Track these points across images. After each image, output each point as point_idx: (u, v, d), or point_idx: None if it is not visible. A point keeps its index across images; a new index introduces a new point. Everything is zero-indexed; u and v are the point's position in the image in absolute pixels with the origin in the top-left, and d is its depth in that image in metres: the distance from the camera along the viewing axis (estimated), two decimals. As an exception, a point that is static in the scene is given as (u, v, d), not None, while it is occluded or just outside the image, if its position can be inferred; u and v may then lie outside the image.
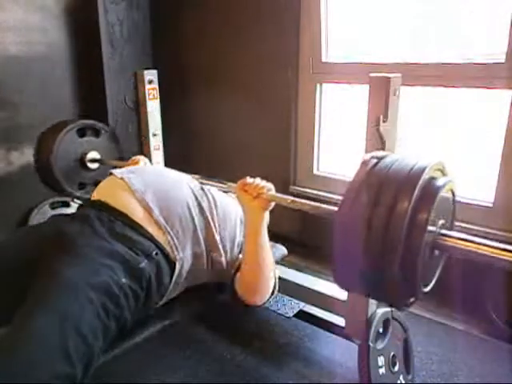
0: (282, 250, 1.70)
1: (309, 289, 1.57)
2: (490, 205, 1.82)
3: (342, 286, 0.96)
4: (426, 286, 0.91)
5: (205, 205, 1.33)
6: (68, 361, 0.89)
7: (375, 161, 0.86)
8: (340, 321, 1.48)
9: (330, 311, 1.53)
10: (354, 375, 1.36)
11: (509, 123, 1.71)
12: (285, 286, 1.64)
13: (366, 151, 1.20)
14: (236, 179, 1.71)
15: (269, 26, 2.28)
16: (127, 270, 1.08)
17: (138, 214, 1.21)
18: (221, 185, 1.40)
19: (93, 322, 0.97)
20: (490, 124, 1.91)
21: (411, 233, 0.77)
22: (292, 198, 1.21)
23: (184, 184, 1.38)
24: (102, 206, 1.24)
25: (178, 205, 1.28)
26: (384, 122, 1.14)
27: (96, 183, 1.96)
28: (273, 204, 1.26)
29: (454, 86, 1.85)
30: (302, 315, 1.68)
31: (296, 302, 1.72)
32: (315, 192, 2.30)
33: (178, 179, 1.41)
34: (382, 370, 1.31)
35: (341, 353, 1.60)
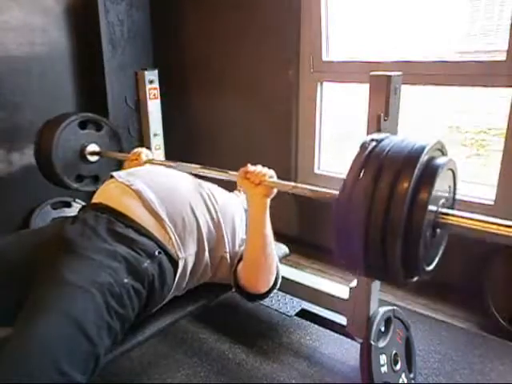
0: (284, 249, 1.70)
1: (310, 287, 1.57)
2: (492, 202, 1.82)
3: (344, 266, 0.95)
4: (430, 264, 0.92)
5: (207, 203, 1.33)
6: (73, 362, 0.88)
7: (374, 143, 0.87)
8: (342, 319, 1.48)
9: (332, 310, 1.53)
10: (356, 374, 1.36)
11: (509, 120, 1.71)
12: (286, 285, 1.64)
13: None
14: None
15: (269, 25, 2.28)
16: (129, 271, 1.08)
17: (139, 215, 1.21)
18: (222, 173, 1.39)
19: (97, 322, 0.96)
20: (490, 122, 1.91)
21: (412, 213, 0.78)
22: (293, 183, 1.21)
23: (186, 184, 1.38)
24: (104, 209, 1.23)
25: (180, 204, 1.27)
26: (385, 120, 1.14)
27: (94, 177, 1.96)
28: (275, 191, 1.25)
29: (454, 84, 1.85)
30: (303, 314, 1.69)
31: (297, 300, 1.72)
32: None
33: (179, 179, 1.41)
34: (383, 369, 1.31)
35: (342, 351, 1.60)
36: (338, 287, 1.52)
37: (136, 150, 1.71)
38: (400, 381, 1.36)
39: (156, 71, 1.93)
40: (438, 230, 0.89)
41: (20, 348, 0.88)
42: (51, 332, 0.90)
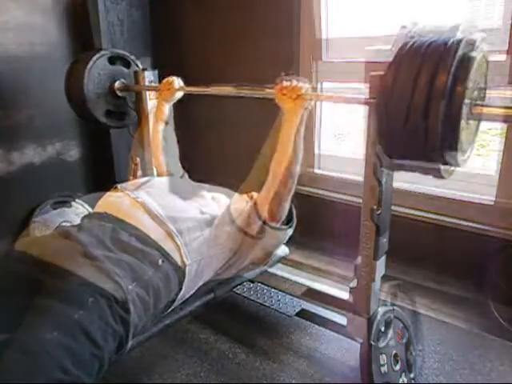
0: (284, 249, 1.70)
1: (310, 288, 1.57)
2: (492, 202, 1.82)
3: (392, 154, 1.03)
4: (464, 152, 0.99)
5: (210, 205, 1.36)
6: (76, 362, 0.89)
7: (413, 40, 0.93)
8: (342, 319, 1.48)
9: (332, 310, 1.53)
10: (356, 374, 1.36)
11: (510, 121, 1.71)
12: (286, 285, 1.64)
13: (367, 149, 1.20)
14: (236, 180, 1.72)
15: (269, 25, 2.28)
16: (134, 278, 1.09)
17: (145, 224, 1.21)
18: (258, 92, 1.45)
19: (101, 325, 0.97)
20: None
21: (451, 105, 0.85)
22: (327, 94, 1.29)
23: (189, 191, 1.41)
24: (108, 218, 1.23)
25: (184, 211, 1.28)
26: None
27: (121, 113, 1.98)
28: (312, 102, 1.32)
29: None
30: (303, 314, 1.69)
31: (297, 300, 1.72)
32: (316, 191, 2.30)
33: (180, 188, 1.44)
34: (383, 369, 1.31)
35: (343, 351, 1.60)
36: (338, 287, 1.52)
37: (167, 79, 1.73)
38: (400, 381, 1.36)
39: (156, 71, 1.93)
40: (471, 121, 0.96)
41: (22, 348, 0.88)
42: (54, 333, 0.91)
